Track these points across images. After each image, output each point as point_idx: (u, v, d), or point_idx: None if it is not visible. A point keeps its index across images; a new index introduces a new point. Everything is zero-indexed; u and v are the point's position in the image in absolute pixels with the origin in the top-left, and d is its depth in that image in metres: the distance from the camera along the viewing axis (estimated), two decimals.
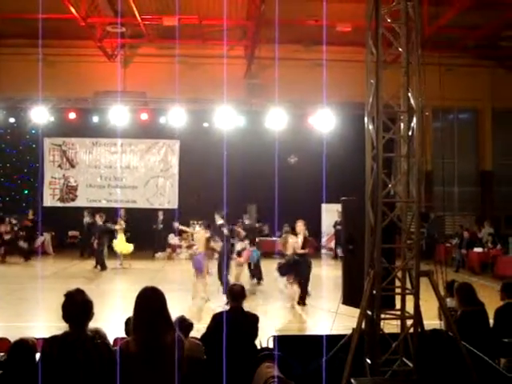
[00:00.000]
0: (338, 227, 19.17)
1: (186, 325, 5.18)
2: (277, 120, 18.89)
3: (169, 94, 18.89)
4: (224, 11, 15.62)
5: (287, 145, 19.08)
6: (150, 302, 3.61)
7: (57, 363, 3.46)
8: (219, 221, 13.08)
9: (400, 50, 5.65)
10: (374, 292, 5.29)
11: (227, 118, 18.95)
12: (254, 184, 19.72)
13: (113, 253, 17.42)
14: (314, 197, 18.51)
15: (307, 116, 19.87)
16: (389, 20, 5.68)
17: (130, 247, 17.29)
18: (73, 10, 16.60)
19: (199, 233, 12.73)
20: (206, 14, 17.94)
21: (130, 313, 4.42)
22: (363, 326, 5.37)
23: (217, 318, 5.65)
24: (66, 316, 3.64)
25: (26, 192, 21.34)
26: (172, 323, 3.67)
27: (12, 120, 20.47)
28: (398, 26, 5.67)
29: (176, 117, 19.23)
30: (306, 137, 19.76)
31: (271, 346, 5.85)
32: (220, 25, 18.27)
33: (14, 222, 18.92)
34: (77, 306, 3.63)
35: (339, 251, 18.08)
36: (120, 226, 17.36)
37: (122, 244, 17.21)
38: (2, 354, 5.17)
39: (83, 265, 17.45)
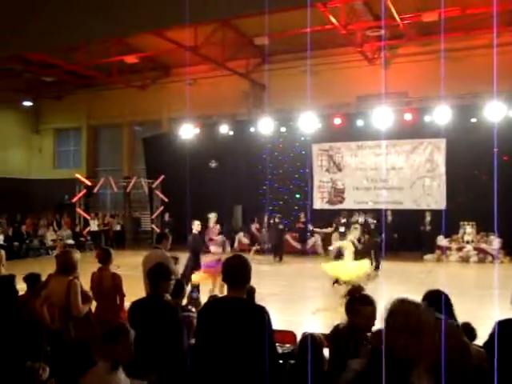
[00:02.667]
0: None
1: (469, 331, 4.98)
2: None
3: (432, 91, 18.41)
4: None
5: None
6: (406, 318, 2.78)
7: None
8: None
9: None
10: None
11: (496, 111, 17.69)
12: None
13: None
14: None
15: None
16: None
17: None
18: (333, 19, 17.25)
19: None
20: (468, 4, 17.08)
21: None
22: None
23: (503, 326, 5.30)
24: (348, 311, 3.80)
25: (298, 196, 22.66)
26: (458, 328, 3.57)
27: (283, 129, 21.93)
28: None
29: (441, 114, 18.57)
30: None
31: None
32: (484, 13, 17.20)
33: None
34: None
35: None
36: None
37: None
38: (288, 345, 5.59)
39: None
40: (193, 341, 4.22)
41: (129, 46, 21.94)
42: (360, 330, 3.86)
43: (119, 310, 6.44)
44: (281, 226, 19.98)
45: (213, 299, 3.79)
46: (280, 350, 5.46)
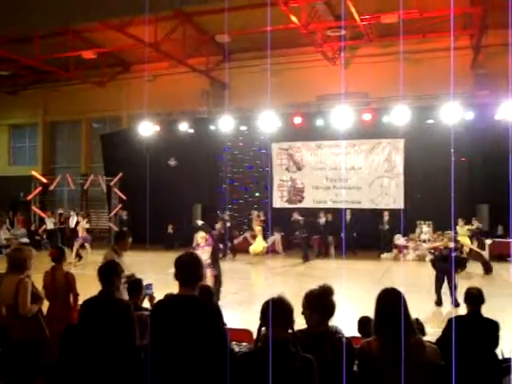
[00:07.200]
0: None
1: (419, 328, 5.02)
2: (509, 112, 17.43)
3: (391, 92, 18.63)
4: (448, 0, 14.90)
5: None
6: (393, 303, 3.57)
7: None
8: None
9: None
10: None
11: (453, 113, 18.03)
12: (485, 182, 18.45)
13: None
14: None
15: None
16: None
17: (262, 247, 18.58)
18: (294, 19, 17.28)
19: None
20: (426, 7, 17.34)
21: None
22: None
23: (453, 323, 5.38)
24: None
25: (257, 194, 22.64)
26: (413, 326, 3.58)
27: (243, 128, 21.86)
28: None
29: (399, 115, 18.81)
30: None
31: None
32: (442, 16, 17.50)
33: (226, 218, 20.12)
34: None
35: None
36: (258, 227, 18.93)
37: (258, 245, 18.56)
38: (245, 343, 5.53)
39: (317, 263, 18.06)
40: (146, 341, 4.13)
41: (87, 41, 21.56)
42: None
43: (72, 310, 6.28)
44: (228, 224, 19.91)
45: (166, 297, 3.71)
46: (237, 349, 5.41)
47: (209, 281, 10.06)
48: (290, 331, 3.46)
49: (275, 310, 3.38)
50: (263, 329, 3.49)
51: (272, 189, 22.46)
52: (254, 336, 3.61)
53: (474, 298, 5.42)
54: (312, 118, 20.82)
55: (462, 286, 5.72)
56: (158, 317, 3.54)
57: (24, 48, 20.23)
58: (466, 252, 14.47)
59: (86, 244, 18.61)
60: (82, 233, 18.77)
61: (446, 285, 11.20)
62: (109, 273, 4.62)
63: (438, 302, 11.16)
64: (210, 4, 17.11)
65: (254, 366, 3.37)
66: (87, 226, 19.29)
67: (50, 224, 22.58)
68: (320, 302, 3.78)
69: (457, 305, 10.40)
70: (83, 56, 21.21)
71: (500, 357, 5.35)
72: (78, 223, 19.74)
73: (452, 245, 11.72)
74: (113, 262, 5.03)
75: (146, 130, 22.37)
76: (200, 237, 10.98)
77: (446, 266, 11.34)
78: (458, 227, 18.75)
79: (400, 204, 20.52)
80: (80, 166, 28.43)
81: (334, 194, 21.59)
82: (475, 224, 17.68)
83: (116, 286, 4.63)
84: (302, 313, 3.88)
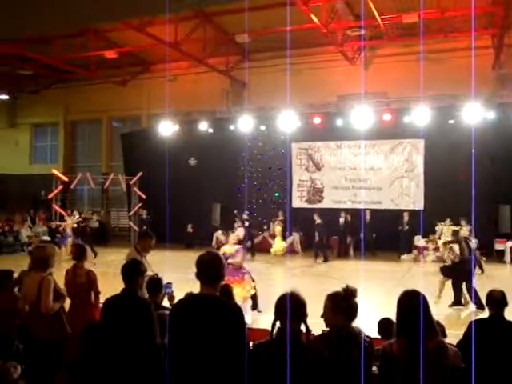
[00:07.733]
0: None
1: (440, 330, 4.98)
2: None
3: (411, 92, 18.50)
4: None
5: None
6: (414, 305, 3.55)
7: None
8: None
9: None
10: None
11: (475, 113, 17.85)
12: (506, 183, 18.25)
13: None
14: None
15: None
16: None
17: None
18: (314, 18, 17.24)
19: None
20: (447, 6, 17.19)
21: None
22: None
23: (475, 326, 5.32)
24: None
25: (277, 195, 22.61)
26: (435, 328, 3.57)
27: (262, 128, 21.84)
28: None
29: (420, 115, 18.68)
30: None
31: None
32: (463, 15, 17.33)
33: (245, 217, 20.03)
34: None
35: None
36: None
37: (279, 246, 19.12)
38: None
39: (336, 264, 18.00)
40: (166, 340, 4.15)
41: (108, 41, 21.72)
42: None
43: (93, 307, 6.33)
44: (248, 224, 19.87)
45: (186, 296, 3.73)
46: None
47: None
48: (302, 324, 3.53)
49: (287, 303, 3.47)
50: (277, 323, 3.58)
51: (291, 189, 22.41)
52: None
53: (497, 300, 5.35)
54: (331, 118, 20.74)
55: (484, 288, 5.66)
56: (179, 315, 3.56)
57: (46, 48, 20.46)
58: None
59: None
60: (69, 231, 19.24)
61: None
62: (132, 271, 4.64)
63: (460, 304, 11.09)
64: (232, 3, 17.12)
65: (267, 356, 3.44)
66: (70, 221, 19.73)
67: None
68: (345, 304, 3.79)
69: (480, 307, 10.23)
70: (105, 55, 21.38)
71: None
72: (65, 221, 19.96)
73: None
74: (136, 261, 5.06)
75: (166, 129, 22.50)
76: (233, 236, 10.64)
77: (451, 272, 11.42)
78: (443, 228, 18.44)
79: (420, 205, 20.33)
80: (100, 165, 28.65)
81: (353, 194, 21.47)
82: (463, 224, 16.80)
83: (139, 284, 4.66)
84: (322, 316, 3.89)
